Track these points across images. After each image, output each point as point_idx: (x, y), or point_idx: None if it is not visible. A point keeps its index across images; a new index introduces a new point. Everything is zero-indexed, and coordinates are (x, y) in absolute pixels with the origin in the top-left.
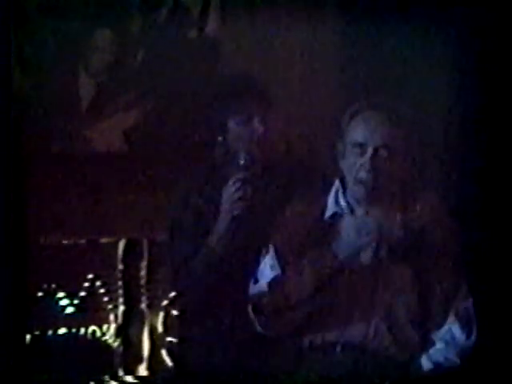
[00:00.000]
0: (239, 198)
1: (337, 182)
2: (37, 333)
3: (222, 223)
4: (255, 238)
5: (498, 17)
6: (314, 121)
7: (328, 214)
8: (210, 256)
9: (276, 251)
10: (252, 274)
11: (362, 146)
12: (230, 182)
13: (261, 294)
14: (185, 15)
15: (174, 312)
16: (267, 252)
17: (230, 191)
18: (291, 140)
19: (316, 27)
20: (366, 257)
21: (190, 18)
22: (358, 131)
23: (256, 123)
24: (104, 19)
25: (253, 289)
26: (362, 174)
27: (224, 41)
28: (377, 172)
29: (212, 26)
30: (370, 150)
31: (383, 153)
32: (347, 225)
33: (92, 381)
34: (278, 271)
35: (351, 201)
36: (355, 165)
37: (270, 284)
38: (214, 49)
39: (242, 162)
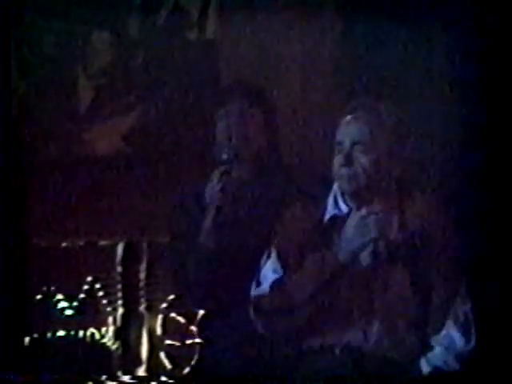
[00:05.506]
0: (220, 190)
1: (335, 185)
2: (36, 335)
3: (208, 217)
4: (257, 240)
5: (498, 17)
6: (312, 122)
7: (327, 216)
8: (203, 253)
9: (278, 254)
10: (253, 274)
11: (340, 144)
12: (213, 176)
13: (262, 296)
14: (184, 17)
15: (173, 314)
16: (269, 256)
17: (212, 184)
18: (290, 141)
19: (315, 29)
20: (364, 259)
21: (189, 20)
22: (339, 131)
23: (253, 122)
24: (103, 21)
25: (255, 291)
26: (340, 170)
27: (223, 43)
28: (356, 168)
29: (211, 27)
30: (346, 147)
31: (359, 148)
32: (346, 226)
33: (91, 383)
34: (280, 274)
35: (350, 202)
36: (336, 162)
37: (272, 286)
38: (213, 51)
39: (224, 157)
